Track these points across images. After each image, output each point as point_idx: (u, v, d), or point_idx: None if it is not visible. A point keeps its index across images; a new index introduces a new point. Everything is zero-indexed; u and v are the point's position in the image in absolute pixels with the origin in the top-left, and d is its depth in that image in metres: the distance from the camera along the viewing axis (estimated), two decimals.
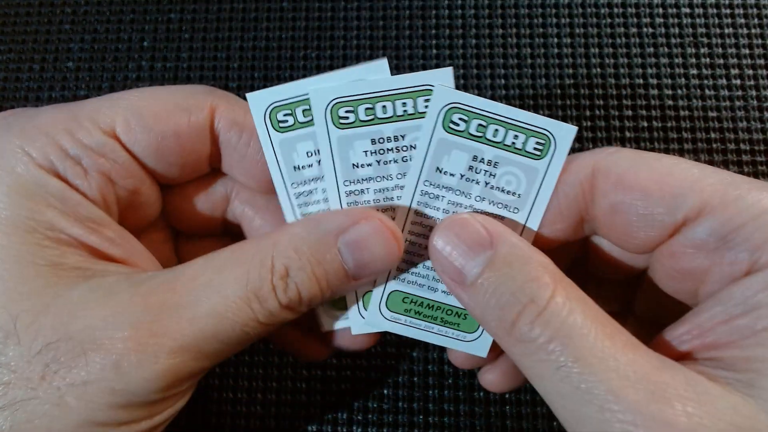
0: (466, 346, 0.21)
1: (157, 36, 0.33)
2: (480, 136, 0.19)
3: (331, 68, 0.32)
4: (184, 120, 0.20)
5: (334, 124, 0.19)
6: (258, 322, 0.18)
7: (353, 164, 0.19)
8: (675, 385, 0.15)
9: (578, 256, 0.22)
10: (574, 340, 0.16)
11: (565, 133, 0.18)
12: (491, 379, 0.24)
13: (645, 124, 0.31)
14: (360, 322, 0.22)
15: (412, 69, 0.32)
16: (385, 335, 0.27)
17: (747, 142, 0.30)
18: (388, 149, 0.19)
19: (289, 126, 0.19)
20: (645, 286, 0.21)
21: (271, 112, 0.19)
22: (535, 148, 0.19)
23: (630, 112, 0.31)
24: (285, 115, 0.19)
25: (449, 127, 0.19)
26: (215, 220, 0.24)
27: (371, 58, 0.32)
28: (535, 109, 0.31)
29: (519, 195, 0.19)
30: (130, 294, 0.18)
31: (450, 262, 0.18)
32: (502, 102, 0.31)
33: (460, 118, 0.19)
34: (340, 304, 0.22)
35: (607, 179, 0.18)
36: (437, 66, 0.32)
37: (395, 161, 0.20)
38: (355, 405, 0.28)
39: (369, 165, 0.19)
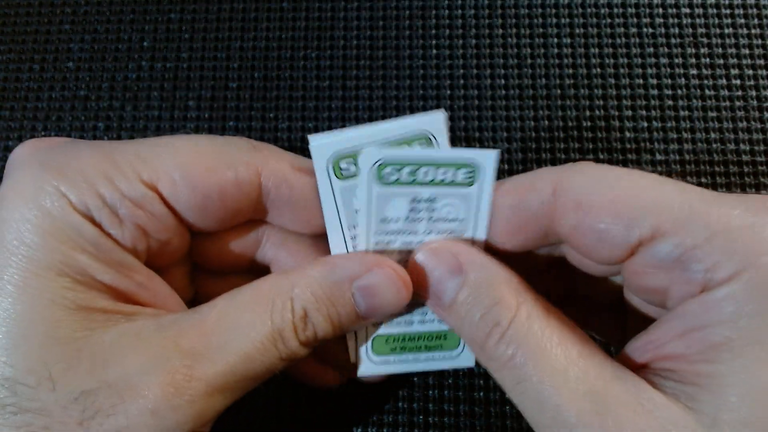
0: (453, 362, 0.23)
1: (157, 36, 0.33)
2: (413, 180, 0.20)
3: (331, 68, 0.32)
4: (230, 177, 0.20)
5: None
6: (280, 359, 0.19)
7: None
8: (620, 396, 0.17)
9: (556, 257, 0.23)
10: (531, 356, 0.18)
11: (487, 158, 0.20)
12: None
13: (645, 124, 0.31)
14: (362, 367, 0.23)
15: (412, 69, 0.32)
16: None
17: (747, 142, 0.30)
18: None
19: (351, 174, 0.20)
20: (627, 293, 0.22)
21: (334, 162, 0.20)
22: (465, 178, 0.20)
23: (630, 112, 0.31)
24: (347, 163, 0.20)
25: (383, 181, 0.20)
26: (242, 262, 0.24)
27: (371, 58, 0.32)
28: (535, 109, 0.31)
29: (461, 220, 0.21)
30: (160, 338, 0.18)
31: (428, 286, 0.20)
32: (501, 101, 0.31)
33: (392, 170, 0.20)
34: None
35: (566, 201, 0.19)
36: (437, 66, 0.32)
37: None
38: (355, 405, 0.28)
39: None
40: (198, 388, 0.18)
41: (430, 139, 0.21)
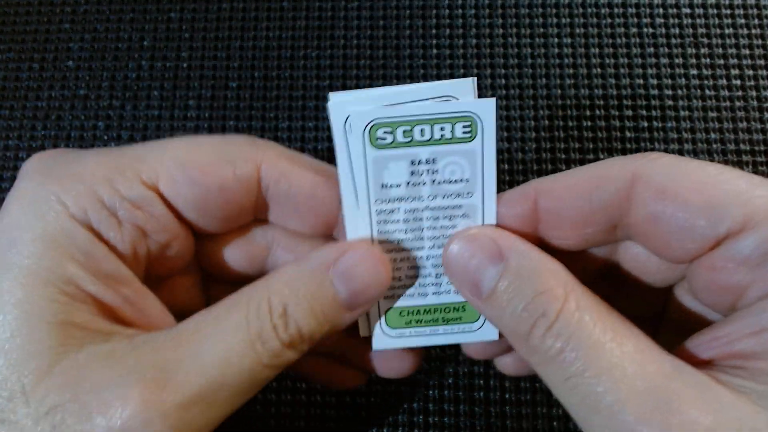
0: (474, 335, 0.22)
1: (157, 35, 0.33)
2: (409, 141, 0.19)
3: (331, 68, 0.32)
4: (229, 173, 0.20)
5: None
6: (263, 365, 0.18)
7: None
8: (683, 392, 0.15)
9: (611, 261, 0.22)
10: (584, 350, 0.16)
11: (485, 107, 0.19)
12: (508, 363, 0.24)
13: (645, 124, 0.31)
14: (376, 340, 0.22)
15: (412, 69, 0.32)
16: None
17: (747, 142, 0.30)
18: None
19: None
20: (680, 293, 0.21)
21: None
22: (464, 132, 0.19)
23: (630, 112, 0.31)
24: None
25: (378, 144, 0.19)
26: (252, 269, 0.23)
27: (371, 58, 0.32)
28: (535, 109, 0.31)
29: (467, 180, 0.20)
30: (134, 354, 0.18)
31: (465, 276, 0.19)
32: (501, 101, 0.31)
33: (385, 132, 0.19)
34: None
35: (647, 188, 0.18)
36: (437, 66, 0.32)
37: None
38: (355, 404, 0.28)
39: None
40: (170, 400, 0.17)
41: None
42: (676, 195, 0.17)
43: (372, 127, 0.19)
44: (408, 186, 0.20)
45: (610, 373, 0.16)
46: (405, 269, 0.21)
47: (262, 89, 0.32)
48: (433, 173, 0.20)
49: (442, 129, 0.19)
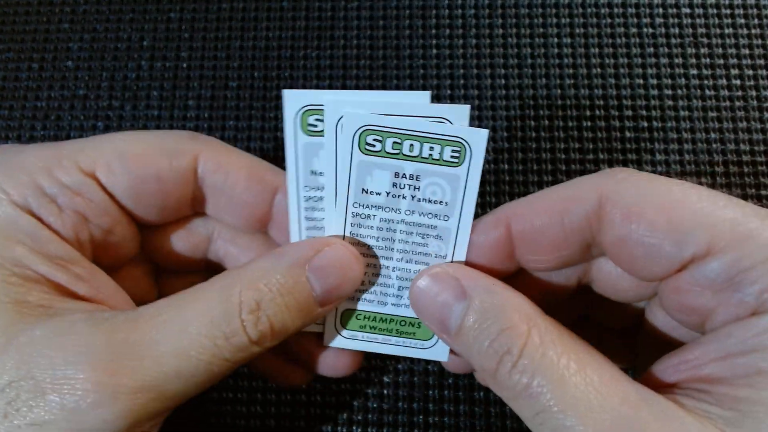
0: (426, 353, 0.22)
1: (157, 35, 0.33)
2: (397, 153, 0.19)
3: (331, 68, 0.32)
4: (165, 164, 0.21)
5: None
6: (224, 359, 0.18)
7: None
8: (649, 422, 0.16)
9: (586, 278, 0.22)
10: (549, 385, 0.17)
11: (478, 138, 0.19)
12: (455, 366, 0.24)
13: (645, 124, 0.31)
14: (328, 338, 0.22)
15: (412, 69, 0.32)
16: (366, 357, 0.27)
17: (747, 142, 0.30)
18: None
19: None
20: (654, 308, 0.21)
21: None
22: (452, 157, 0.19)
23: (630, 112, 0.31)
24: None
25: (366, 149, 0.19)
26: (196, 259, 0.24)
27: (371, 58, 0.32)
28: (535, 108, 0.31)
29: (446, 203, 0.20)
30: (91, 333, 0.18)
31: (432, 315, 0.19)
32: (501, 101, 0.31)
33: (375, 139, 0.19)
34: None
35: (615, 209, 0.18)
36: (437, 66, 0.32)
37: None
38: (355, 405, 0.28)
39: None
40: (122, 384, 0.17)
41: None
42: (642, 217, 0.18)
43: (363, 132, 0.19)
44: (388, 196, 0.20)
45: (576, 406, 0.16)
46: (370, 275, 0.21)
47: (262, 89, 0.32)
48: (414, 189, 0.20)
49: (431, 148, 0.19)
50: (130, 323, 0.18)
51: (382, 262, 0.21)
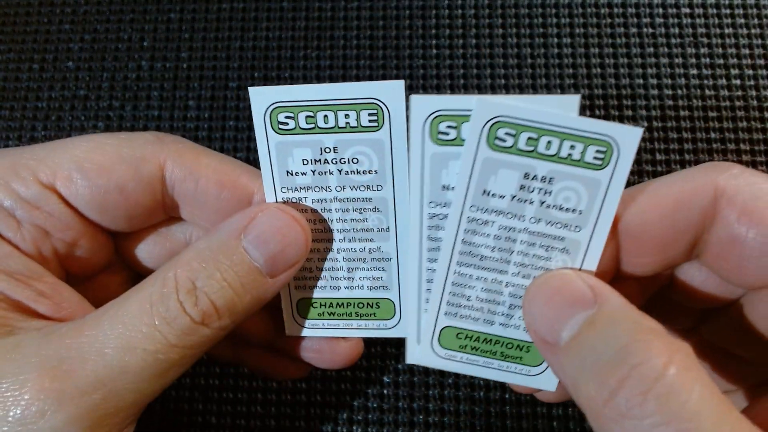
0: (532, 380, 0.20)
1: (157, 36, 0.33)
2: (531, 151, 0.17)
3: (331, 68, 0.32)
4: (128, 173, 0.20)
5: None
6: (171, 345, 0.17)
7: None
8: None
9: (665, 281, 0.20)
10: (696, 427, 0.13)
11: (629, 137, 0.16)
12: (550, 395, 0.22)
13: (645, 124, 0.31)
14: (415, 354, 0.20)
15: (412, 69, 0.32)
16: (367, 342, 0.27)
17: (747, 142, 0.30)
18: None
19: (289, 129, 0.18)
20: (733, 314, 0.19)
21: (272, 112, 0.18)
22: (595, 158, 0.17)
23: (630, 112, 0.31)
24: (286, 117, 0.18)
25: (495, 144, 0.17)
26: None
27: (371, 58, 0.32)
28: None
29: (580, 212, 0.17)
30: (38, 345, 0.17)
31: (544, 320, 0.17)
32: None
33: (507, 133, 0.17)
34: (303, 310, 0.22)
35: (729, 207, 0.16)
36: (437, 66, 0.32)
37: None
38: (355, 404, 0.28)
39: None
40: (63, 389, 0.16)
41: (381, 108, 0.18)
42: (762, 218, 0.16)
43: (495, 124, 0.17)
44: (512, 200, 0.17)
45: None
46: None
47: None
48: (544, 194, 0.17)
49: (572, 147, 0.17)
50: (76, 329, 0.17)
51: (496, 276, 0.19)
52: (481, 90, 0.32)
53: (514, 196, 0.17)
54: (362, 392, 0.28)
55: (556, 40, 0.32)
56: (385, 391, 0.28)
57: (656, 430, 0.13)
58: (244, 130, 0.32)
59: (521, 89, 0.31)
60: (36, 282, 0.19)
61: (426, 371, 0.28)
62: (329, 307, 0.21)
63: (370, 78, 0.32)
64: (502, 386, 0.28)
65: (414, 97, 0.17)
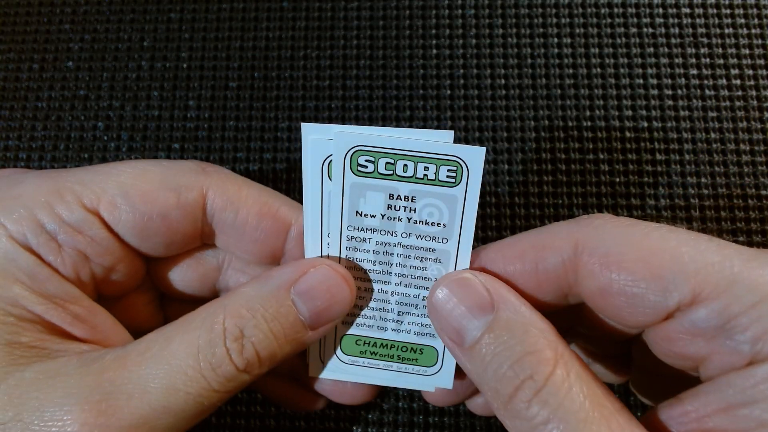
0: (429, 380, 0.21)
1: (157, 36, 0.33)
2: (390, 174, 0.19)
3: (331, 68, 0.32)
4: (172, 200, 0.20)
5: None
6: (213, 390, 0.18)
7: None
8: None
9: (571, 321, 0.21)
10: (570, 425, 0.16)
11: (474, 155, 0.18)
12: (479, 404, 0.23)
13: (645, 124, 0.31)
14: (320, 367, 0.22)
15: (412, 69, 0.32)
16: None
17: (747, 142, 0.30)
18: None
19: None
20: (641, 346, 0.21)
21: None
22: (448, 176, 0.18)
23: (630, 112, 0.31)
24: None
25: (358, 170, 0.19)
26: (204, 289, 0.23)
27: (371, 58, 0.32)
28: (536, 109, 0.31)
29: (444, 225, 0.19)
30: (80, 374, 0.17)
31: (449, 321, 0.18)
32: (501, 101, 0.31)
33: (367, 160, 0.18)
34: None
35: (592, 259, 0.17)
36: (437, 66, 0.32)
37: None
38: (354, 405, 0.28)
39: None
40: (110, 425, 0.17)
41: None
42: (622, 266, 0.17)
43: (355, 152, 0.18)
44: (383, 219, 0.19)
45: None
46: (368, 300, 0.21)
47: (262, 89, 0.32)
48: (410, 211, 0.19)
49: (426, 168, 0.18)
50: (118, 361, 0.18)
51: (380, 286, 0.21)
52: (481, 90, 0.32)
53: (384, 215, 0.19)
54: None
55: (556, 40, 0.32)
56: (385, 391, 0.28)
57: (541, 427, 0.16)
58: (243, 130, 0.32)
59: (521, 89, 0.31)
60: (73, 305, 0.19)
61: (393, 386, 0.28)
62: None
63: (371, 78, 0.32)
64: None
65: (337, 132, 0.18)
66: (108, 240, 0.20)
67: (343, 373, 0.22)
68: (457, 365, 0.21)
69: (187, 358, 0.17)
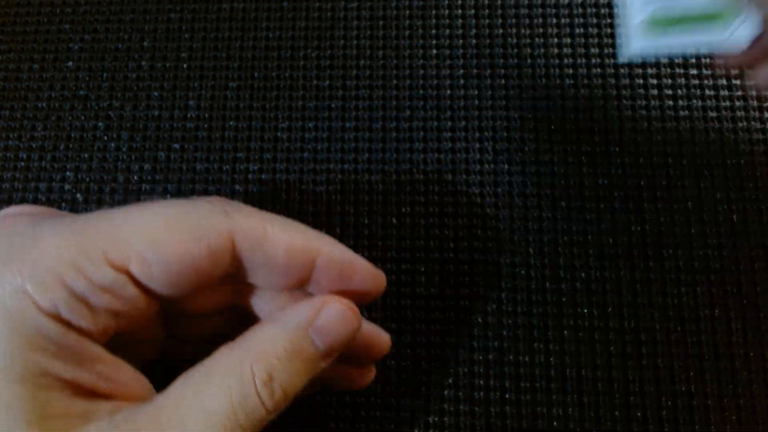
0: (725, 41, 0.22)
1: (157, 36, 0.33)
2: None
3: (331, 68, 0.32)
4: (203, 252, 0.20)
5: None
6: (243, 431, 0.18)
7: None
8: None
9: None
10: None
11: None
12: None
13: (645, 124, 0.31)
14: (631, 46, 0.23)
15: (412, 69, 0.32)
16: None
17: (747, 142, 0.30)
18: None
19: None
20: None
21: None
22: None
23: (630, 113, 0.31)
24: None
25: None
26: (217, 308, 0.23)
27: (371, 58, 0.32)
28: (535, 109, 0.31)
29: None
30: None
31: None
32: (501, 101, 0.31)
33: None
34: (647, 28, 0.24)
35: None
36: (437, 66, 0.32)
37: None
38: (354, 405, 0.28)
39: None
40: None
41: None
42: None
43: None
44: None
45: None
46: None
47: (262, 89, 0.32)
48: None
49: None
50: (152, 420, 0.18)
51: None
52: (481, 90, 0.32)
53: None
54: (362, 392, 0.28)
55: (556, 40, 0.32)
56: (385, 391, 0.28)
57: None
58: (243, 130, 0.32)
59: (521, 89, 0.31)
60: (97, 364, 0.19)
61: (426, 371, 0.28)
62: (668, 22, 0.22)
63: (371, 78, 0.32)
64: (502, 386, 0.28)
65: None
66: (137, 296, 0.20)
67: (653, 48, 0.23)
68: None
69: (222, 413, 0.18)
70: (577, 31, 0.32)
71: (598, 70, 0.32)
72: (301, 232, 0.22)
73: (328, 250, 0.21)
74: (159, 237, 0.19)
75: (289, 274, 0.21)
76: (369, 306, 0.29)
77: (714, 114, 0.31)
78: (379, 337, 0.24)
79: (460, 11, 0.33)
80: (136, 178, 0.31)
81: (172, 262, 0.19)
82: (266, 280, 0.22)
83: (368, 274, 0.22)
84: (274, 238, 0.21)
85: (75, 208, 0.31)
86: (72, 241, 0.19)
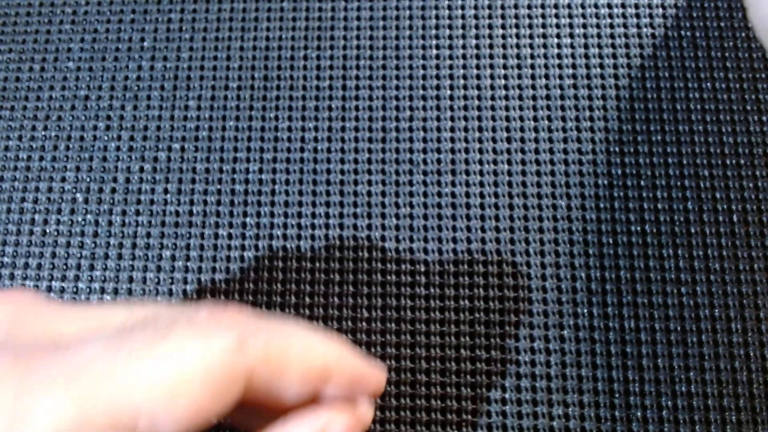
0: None
1: (157, 36, 0.33)
2: None
3: (331, 68, 0.32)
4: (218, 405, 0.19)
5: None
6: None
7: None
8: None
9: None
10: None
11: None
12: None
13: (644, 126, 0.31)
14: None
15: (411, 69, 0.32)
16: (365, 341, 0.27)
17: (746, 143, 0.30)
18: None
19: None
20: None
21: None
22: None
23: (629, 113, 0.31)
24: None
25: None
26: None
27: (371, 58, 0.32)
28: (535, 108, 0.31)
29: None
30: None
31: None
32: (501, 101, 0.31)
33: None
34: None
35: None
36: (437, 66, 0.32)
37: None
38: None
39: None
40: None
41: None
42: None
43: None
44: None
45: None
46: None
47: (262, 89, 0.32)
48: None
49: None
50: None
51: None
52: (481, 90, 0.32)
53: None
54: None
55: (556, 40, 0.32)
56: (387, 389, 0.28)
57: None
58: (244, 130, 0.32)
59: (521, 89, 0.31)
60: None
61: (426, 371, 0.28)
62: None
63: (371, 78, 0.32)
64: (503, 386, 0.28)
65: None
66: None
67: None
68: None
69: None
70: (577, 31, 0.32)
71: (598, 69, 0.32)
72: (321, 356, 0.21)
73: (341, 369, 0.21)
74: (169, 391, 0.18)
75: (300, 396, 0.21)
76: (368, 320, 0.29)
77: (714, 114, 0.31)
78: (372, 374, 0.23)
79: (460, 11, 0.33)
80: (136, 178, 0.31)
81: (182, 417, 0.18)
82: (276, 400, 0.21)
83: (374, 381, 0.22)
84: (291, 368, 0.20)
85: (75, 208, 0.31)
86: (74, 404, 0.17)
